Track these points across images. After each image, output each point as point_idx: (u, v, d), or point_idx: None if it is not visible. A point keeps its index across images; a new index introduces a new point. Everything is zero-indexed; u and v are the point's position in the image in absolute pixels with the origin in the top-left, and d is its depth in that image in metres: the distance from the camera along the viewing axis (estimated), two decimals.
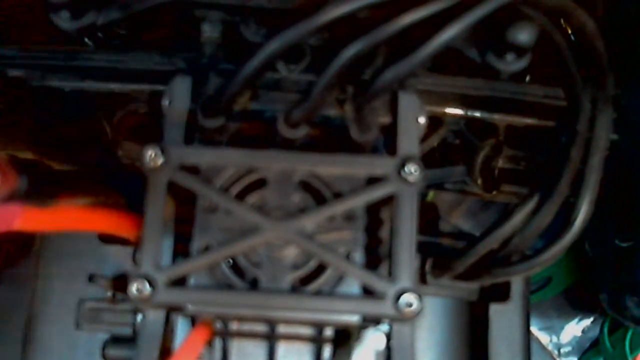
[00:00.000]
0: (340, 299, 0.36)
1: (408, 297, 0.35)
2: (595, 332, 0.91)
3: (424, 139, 0.47)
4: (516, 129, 0.51)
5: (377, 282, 0.36)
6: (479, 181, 0.51)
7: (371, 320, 0.38)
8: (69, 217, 0.39)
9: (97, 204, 0.41)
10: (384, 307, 0.35)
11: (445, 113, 0.49)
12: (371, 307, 0.36)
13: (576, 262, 0.87)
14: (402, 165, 0.37)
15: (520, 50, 0.38)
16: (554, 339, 0.92)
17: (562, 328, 0.92)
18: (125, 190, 0.44)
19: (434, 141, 0.50)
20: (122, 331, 0.51)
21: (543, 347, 0.92)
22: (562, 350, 0.92)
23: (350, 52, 0.34)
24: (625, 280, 0.58)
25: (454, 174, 0.52)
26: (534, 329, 0.91)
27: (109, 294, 0.50)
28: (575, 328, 0.92)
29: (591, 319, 0.92)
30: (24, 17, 0.43)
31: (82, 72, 0.44)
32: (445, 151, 0.52)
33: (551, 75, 0.49)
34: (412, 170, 0.36)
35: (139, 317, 0.40)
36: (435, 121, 0.50)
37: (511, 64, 0.39)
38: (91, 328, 0.51)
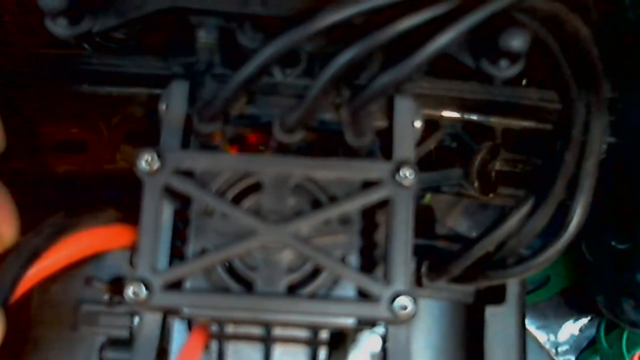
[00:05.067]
0: (335, 302, 0.36)
1: (403, 300, 0.35)
2: (592, 331, 0.91)
3: (420, 142, 0.47)
4: (513, 132, 0.51)
5: (372, 285, 0.36)
6: (476, 184, 0.52)
7: (366, 323, 0.38)
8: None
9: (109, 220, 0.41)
10: (379, 310, 0.36)
11: (441, 116, 0.50)
12: (366, 310, 0.36)
13: (574, 264, 0.88)
14: (397, 170, 0.37)
15: (513, 56, 0.38)
16: (552, 337, 0.92)
17: (559, 327, 0.92)
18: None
19: (430, 144, 0.51)
20: (120, 334, 0.51)
21: (540, 346, 0.92)
22: (559, 349, 0.92)
23: (345, 57, 0.34)
24: (622, 283, 0.58)
25: (451, 177, 0.52)
26: (531, 328, 0.92)
27: (106, 297, 0.50)
28: (572, 327, 0.92)
29: (588, 318, 0.92)
30: (20, 23, 0.43)
31: (79, 76, 0.44)
32: (442, 154, 0.52)
33: (548, 79, 0.49)
34: (407, 175, 0.37)
35: (136, 320, 0.41)
36: (432, 124, 0.50)
37: (505, 70, 0.39)
38: (88, 330, 0.51)
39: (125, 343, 0.50)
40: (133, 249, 0.39)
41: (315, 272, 0.37)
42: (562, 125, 0.39)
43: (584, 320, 0.93)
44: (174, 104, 0.39)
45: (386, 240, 0.37)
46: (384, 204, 0.37)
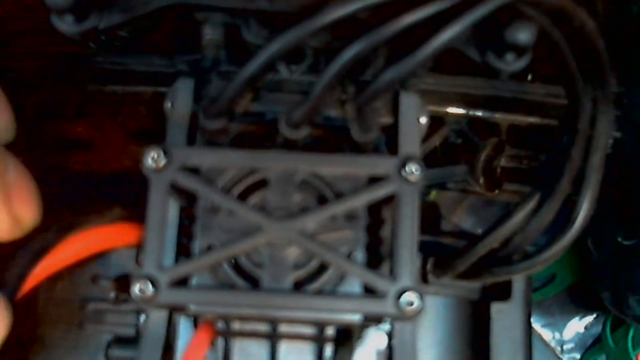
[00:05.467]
0: (341, 298, 0.36)
1: (409, 296, 0.35)
2: (598, 329, 0.91)
3: (425, 139, 0.47)
4: (518, 128, 0.51)
5: (378, 281, 0.36)
6: (481, 180, 0.51)
7: (373, 319, 0.38)
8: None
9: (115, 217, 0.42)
10: (385, 306, 0.35)
11: (447, 112, 0.49)
12: (372, 306, 0.36)
13: (580, 260, 0.87)
14: (403, 165, 0.37)
15: (520, 50, 0.38)
16: (557, 335, 0.92)
17: (565, 325, 0.92)
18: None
19: (435, 141, 0.50)
20: (126, 331, 0.51)
21: (546, 344, 0.92)
22: (565, 347, 0.92)
23: (350, 53, 0.34)
24: (627, 279, 0.58)
25: (456, 174, 0.52)
26: (536, 326, 0.92)
27: (112, 294, 0.50)
28: (578, 325, 0.92)
29: (594, 315, 0.92)
30: (24, 21, 0.43)
31: (85, 74, 0.44)
32: (447, 151, 0.52)
33: (554, 74, 0.49)
34: (413, 170, 0.37)
35: (142, 317, 0.40)
36: (437, 121, 0.50)
37: (511, 63, 0.39)
38: (94, 329, 0.51)
39: (132, 341, 0.50)
40: (139, 246, 0.39)
41: (322, 269, 0.37)
42: (569, 119, 0.39)
43: (590, 318, 0.93)
44: (179, 102, 0.39)
45: (392, 236, 0.37)
46: (389, 199, 0.37)
